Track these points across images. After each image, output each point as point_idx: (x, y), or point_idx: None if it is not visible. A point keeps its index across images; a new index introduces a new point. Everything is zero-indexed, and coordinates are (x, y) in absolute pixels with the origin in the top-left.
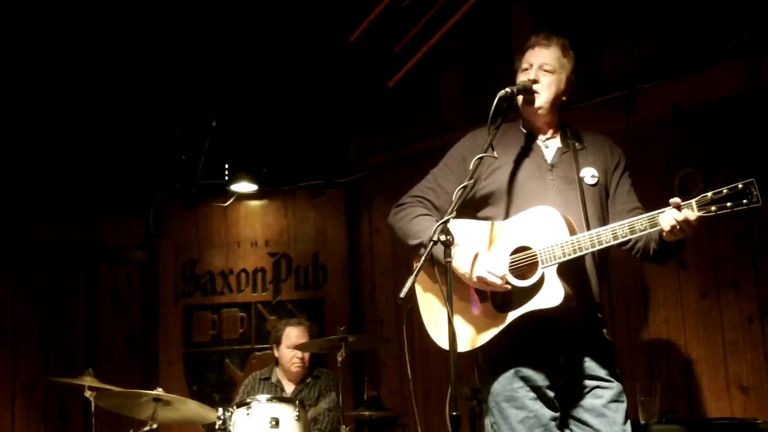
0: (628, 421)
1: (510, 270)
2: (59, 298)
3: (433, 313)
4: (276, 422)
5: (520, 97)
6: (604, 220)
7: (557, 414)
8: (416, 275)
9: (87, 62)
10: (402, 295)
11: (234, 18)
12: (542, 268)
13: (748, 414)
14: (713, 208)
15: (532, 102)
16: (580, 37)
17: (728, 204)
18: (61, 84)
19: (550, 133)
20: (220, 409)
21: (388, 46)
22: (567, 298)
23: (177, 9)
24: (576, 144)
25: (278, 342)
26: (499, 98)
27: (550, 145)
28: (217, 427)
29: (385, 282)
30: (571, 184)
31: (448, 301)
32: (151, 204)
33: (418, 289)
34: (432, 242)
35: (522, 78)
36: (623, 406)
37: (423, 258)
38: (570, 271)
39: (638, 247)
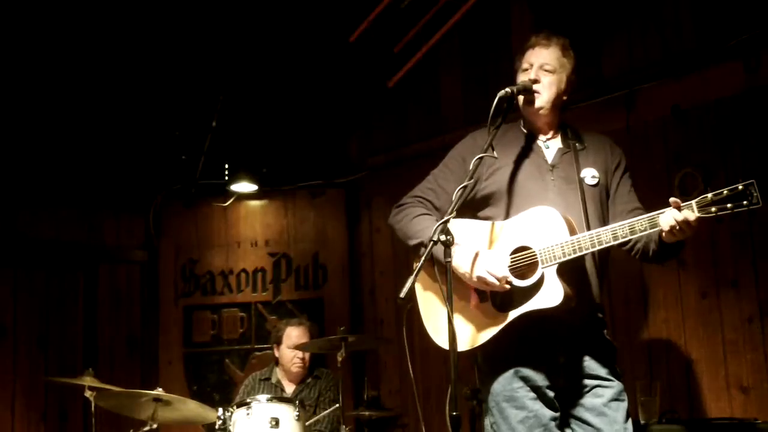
0: (629, 420)
1: (510, 270)
2: (59, 298)
3: (433, 313)
4: (276, 422)
5: (521, 97)
6: (604, 221)
7: (557, 414)
8: (416, 275)
9: (87, 62)
10: (402, 295)
11: (234, 18)
12: (542, 268)
13: (748, 414)
14: (713, 209)
15: (533, 102)
16: (580, 37)
17: (728, 205)
18: (61, 84)
19: (550, 133)
20: (220, 409)
21: (388, 46)
22: (566, 298)
23: (177, 9)
24: (576, 144)
25: (279, 342)
26: (499, 98)
27: (550, 146)
28: (217, 427)
29: (385, 282)
30: (572, 184)
31: (448, 301)
32: (151, 204)
33: (417, 288)
34: (432, 242)
35: (522, 78)
36: (624, 405)
37: (423, 258)
38: (570, 271)
39: (638, 247)
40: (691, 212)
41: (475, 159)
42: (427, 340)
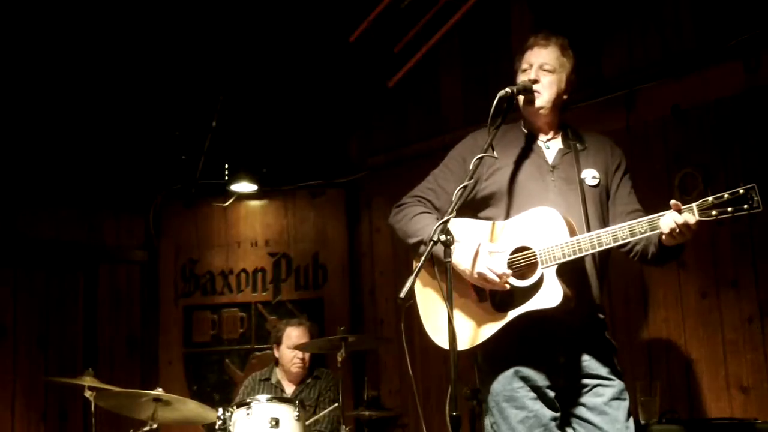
0: (631, 419)
1: (509, 269)
2: (59, 298)
3: (432, 312)
4: (276, 422)
5: (521, 98)
6: (604, 222)
7: (557, 414)
8: (416, 275)
9: (87, 62)
10: (402, 294)
11: (234, 18)
12: (542, 268)
13: (748, 414)
14: (714, 212)
15: (533, 102)
16: (580, 37)
17: (729, 209)
18: (61, 84)
19: (551, 133)
20: (220, 409)
21: (388, 46)
22: (566, 298)
23: (177, 9)
24: (577, 145)
25: (278, 342)
26: (499, 98)
27: (551, 146)
28: (217, 427)
29: (385, 282)
30: (572, 185)
31: (448, 301)
32: (151, 204)
33: (417, 287)
34: (432, 242)
35: (522, 78)
36: (625, 403)
37: (423, 257)
38: (570, 272)
39: (636, 249)
40: (691, 215)
41: (475, 159)
42: (427, 339)
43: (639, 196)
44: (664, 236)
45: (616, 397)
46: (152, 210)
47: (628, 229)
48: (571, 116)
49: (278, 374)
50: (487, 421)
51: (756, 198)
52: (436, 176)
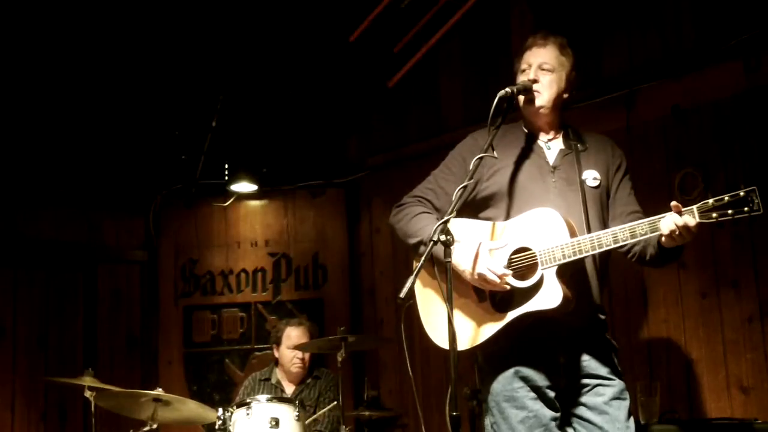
0: (631, 418)
1: (510, 270)
2: (59, 298)
3: (432, 312)
4: (276, 422)
5: (521, 97)
6: (605, 223)
7: (557, 414)
8: (416, 275)
9: (87, 62)
10: (402, 294)
11: (234, 18)
12: (542, 269)
13: (748, 414)
14: (714, 214)
15: (533, 101)
16: (580, 37)
17: (729, 211)
18: (60, 84)
19: (552, 133)
20: (220, 409)
21: (388, 46)
22: (566, 299)
23: (177, 9)
24: (578, 145)
25: (278, 342)
26: (499, 98)
27: (552, 147)
28: (217, 427)
29: (385, 282)
30: (573, 185)
31: (448, 301)
32: (151, 204)
33: (417, 287)
34: (432, 242)
35: (522, 79)
36: (625, 403)
37: (423, 258)
38: (570, 273)
39: (635, 251)
40: (691, 217)
41: (475, 159)
42: (427, 339)
43: (639, 196)
44: (663, 238)
45: (617, 397)
46: (152, 210)
47: (628, 231)
48: (571, 116)
49: (278, 374)
50: (488, 421)
51: (756, 201)
52: (436, 176)
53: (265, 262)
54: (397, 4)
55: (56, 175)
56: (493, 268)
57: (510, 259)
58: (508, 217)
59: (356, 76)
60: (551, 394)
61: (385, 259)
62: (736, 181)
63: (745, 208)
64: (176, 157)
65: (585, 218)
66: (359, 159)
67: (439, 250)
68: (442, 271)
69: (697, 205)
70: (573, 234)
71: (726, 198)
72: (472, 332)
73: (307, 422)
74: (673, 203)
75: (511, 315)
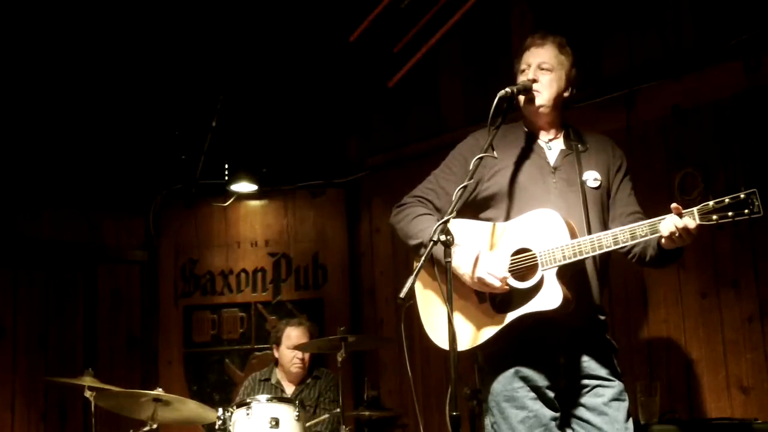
0: (630, 419)
1: (510, 271)
2: (59, 298)
3: (432, 313)
4: (276, 422)
5: (521, 97)
6: (605, 224)
7: (557, 414)
8: (416, 275)
9: (87, 62)
10: (402, 295)
11: (234, 18)
12: (542, 270)
13: (748, 414)
14: (715, 216)
15: (533, 101)
16: (580, 37)
17: (730, 213)
18: (60, 84)
19: (552, 133)
20: (220, 409)
21: (388, 46)
22: (565, 301)
23: (177, 9)
24: (579, 146)
25: (278, 342)
26: (499, 98)
27: (552, 147)
28: (217, 427)
29: (385, 282)
30: (574, 186)
31: (448, 302)
32: (151, 204)
33: (417, 288)
34: (432, 242)
35: (521, 79)
36: (624, 404)
37: (423, 258)
38: (570, 274)
39: (635, 252)
40: (691, 220)
41: (475, 159)
42: (427, 339)
43: (639, 196)
44: (663, 240)
45: (616, 398)
46: (152, 210)
47: (628, 232)
48: (571, 116)
49: (278, 374)
50: (488, 421)
51: (757, 203)
52: (437, 176)
53: (265, 262)
54: (397, 4)
55: (56, 175)
56: (493, 271)
57: (510, 260)
58: (508, 217)
59: (356, 76)
60: (551, 394)
61: (385, 259)
62: (736, 181)
63: (746, 210)
64: (176, 157)
65: (585, 219)
66: (359, 159)
67: (439, 250)
68: (442, 271)
69: (698, 207)
70: (573, 235)
71: (726, 200)
72: (472, 333)
73: (307, 425)
74: (673, 205)
75: (511, 316)
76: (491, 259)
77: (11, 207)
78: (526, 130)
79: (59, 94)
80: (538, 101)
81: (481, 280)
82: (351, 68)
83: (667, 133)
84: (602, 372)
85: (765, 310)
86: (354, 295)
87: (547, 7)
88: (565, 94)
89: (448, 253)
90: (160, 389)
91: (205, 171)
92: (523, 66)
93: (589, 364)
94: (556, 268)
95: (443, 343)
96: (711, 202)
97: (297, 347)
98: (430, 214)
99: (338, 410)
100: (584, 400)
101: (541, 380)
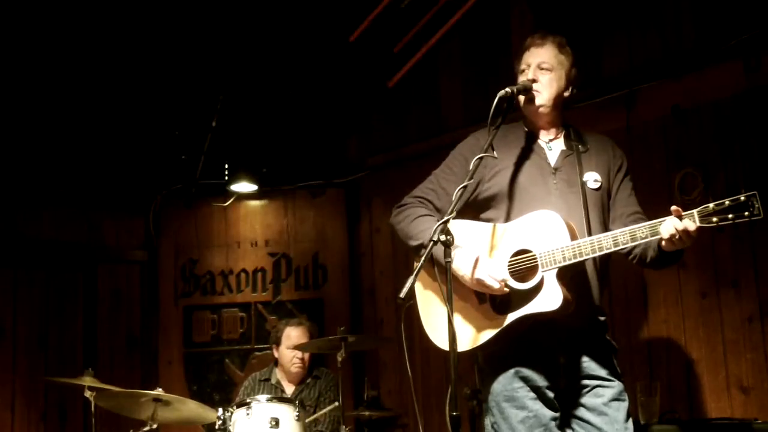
0: (630, 419)
1: (510, 272)
2: (59, 298)
3: (432, 313)
4: (276, 422)
5: (522, 97)
6: (605, 225)
7: (557, 414)
8: (416, 275)
9: (87, 62)
10: (402, 295)
11: (234, 18)
12: (542, 271)
13: (748, 414)
14: (715, 219)
15: (533, 101)
16: (580, 37)
17: (730, 216)
18: (60, 84)
19: (553, 133)
20: (220, 409)
21: (388, 46)
22: (565, 302)
23: (177, 9)
24: (579, 146)
25: (278, 342)
26: (499, 98)
27: (553, 147)
28: (217, 427)
29: (385, 282)
30: (574, 187)
31: (448, 302)
32: (151, 204)
33: (417, 288)
34: (432, 242)
35: (521, 79)
36: (624, 404)
37: (423, 258)
38: (571, 275)
39: (635, 253)
40: (691, 222)
41: (475, 159)
42: (427, 340)
43: (639, 196)
44: (664, 242)
45: (616, 398)
46: (152, 210)
47: (629, 234)
48: (571, 116)
49: (278, 374)
50: (488, 421)
51: (757, 205)
52: (437, 176)
53: (265, 262)
54: (397, 4)
55: (56, 175)
56: (493, 273)
57: (510, 261)
58: (508, 218)
59: (356, 76)
60: (551, 394)
61: (385, 259)
62: (736, 181)
63: (746, 213)
64: (176, 157)
65: (586, 220)
66: (359, 159)
67: (439, 250)
68: (442, 271)
69: (698, 209)
70: (573, 236)
71: (727, 202)
72: (472, 333)
73: (307, 421)
74: (674, 208)
75: (511, 317)
76: (491, 261)
77: (11, 207)
78: (526, 130)
79: (59, 95)
80: (538, 101)
81: (480, 282)
82: (351, 68)
83: (667, 133)
84: (602, 372)
85: (765, 310)
86: (354, 295)
87: (547, 7)
88: (565, 94)
89: (448, 254)
90: (160, 389)
91: (205, 171)
92: (522, 66)
93: (588, 364)
94: (557, 269)
95: (443, 344)
96: (711, 204)
97: (297, 347)
98: (430, 215)
99: (337, 403)
100: (584, 400)
101: (541, 380)
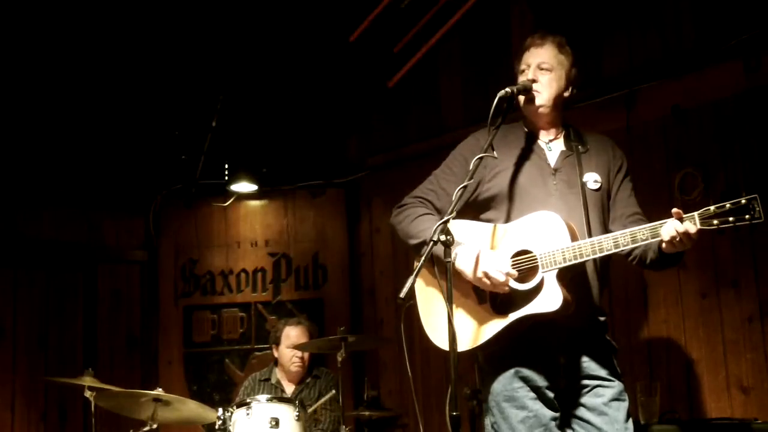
0: (630, 419)
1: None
2: (59, 298)
3: (432, 313)
4: (276, 422)
5: (521, 97)
6: (605, 226)
7: (557, 414)
8: (416, 275)
9: (87, 62)
10: (402, 294)
11: (234, 18)
12: (542, 272)
13: (748, 414)
14: (715, 221)
15: (533, 101)
16: (581, 37)
17: (730, 218)
18: (60, 84)
19: (553, 133)
20: (220, 409)
21: (388, 46)
22: (565, 303)
23: (177, 9)
24: (579, 147)
25: (277, 342)
26: (499, 98)
27: (553, 148)
28: (217, 427)
29: (385, 282)
30: (574, 188)
31: (448, 302)
32: (151, 204)
33: (417, 288)
34: (432, 242)
35: (521, 79)
36: (624, 404)
37: (423, 258)
38: (571, 276)
39: (636, 254)
40: (692, 224)
41: (474, 159)
42: (427, 339)
43: (639, 196)
44: (664, 244)
45: (616, 398)
46: (152, 210)
47: (629, 236)
48: (571, 116)
49: (278, 374)
50: (488, 421)
51: (758, 208)
52: (437, 177)
53: (265, 262)
54: (397, 4)
55: (56, 175)
56: (498, 266)
57: (510, 261)
58: (509, 219)
59: (356, 76)
60: (551, 394)
61: (385, 259)
62: (736, 182)
63: (746, 216)
64: (176, 157)
65: (586, 221)
66: (359, 159)
67: (440, 250)
68: (443, 271)
69: (699, 211)
70: (574, 237)
71: (727, 205)
72: (471, 334)
73: (309, 410)
74: (674, 210)
75: (512, 317)
76: (494, 255)
77: (11, 207)
78: (526, 130)
79: (59, 95)
80: (537, 101)
81: (486, 275)
82: (351, 68)
83: (667, 133)
84: (602, 372)
85: (765, 310)
86: (354, 295)
87: (547, 7)
88: (565, 94)
89: (448, 253)
90: (160, 389)
91: (205, 171)
92: (522, 66)
93: (588, 364)
94: (557, 270)
95: (443, 344)
96: (712, 207)
97: (297, 347)
98: (430, 214)
99: (334, 391)
100: (584, 400)
101: (541, 380)
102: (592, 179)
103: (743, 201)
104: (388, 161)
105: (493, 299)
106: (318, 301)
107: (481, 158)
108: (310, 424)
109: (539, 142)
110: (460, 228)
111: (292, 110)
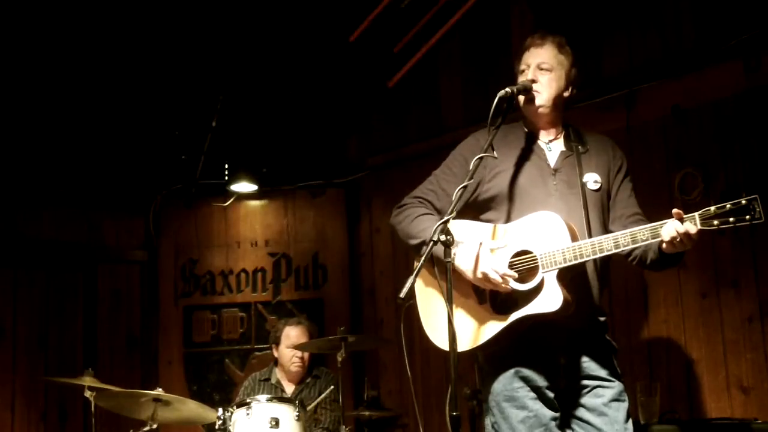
0: (630, 420)
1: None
2: (59, 298)
3: (432, 313)
4: (276, 422)
5: (521, 98)
6: (605, 226)
7: (557, 414)
8: (416, 275)
9: (87, 62)
10: (402, 294)
11: (234, 18)
12: (542, 272)
13: (748, 414)
14: (716, 222)
15: (533, 101)
16: (581, 37)
17: (731, 219)
18: (60, 84)
19: (553, 133)
20: (220, 409)
21: (388, 46)
22: (566, 303)
23: (177, 9)
24: (579, 147)
25: (277, 342)
26: (499, 98)
27: (553, 148)
28: (217, 427)
29: (385, 282)
30: (574, 188)
31: (448, 302)
32: (151, 204)
33: (417, 288)
34: (432, 242)
35: (521, 79)
36: (624, 405)
37: (423, 258)
38: (571, 276)
39: (636, 254)
40: (692, 225)
41: (474, 159)
42: (427, 340)
43: (639, 196)
44: (664, 244)
45: (616, 399)
46: (152, 210)
47: (629, 236)
48: (571, 116)
49: (278, 374)
50: (488, 421)
51: (758, 209)
52: (437, 177)
53: (265, 262)
54: (397, 4)
55: (56, 175)
56: (497, 267)
57: (511, 261)
58: (509, 219)
59: (356, 76)
60: (551, 394)
61: (385, 259)
62: (737, 181)
63: (747, 216)
64: (176, 157)
65: (586, 222)
66: (359, 159)
67: (440, 250)
68: (443, 271)
69: (699, 212)
70: (574, 238)
71: (728, 206)
72: (471, 334)
73: (309, 408)
74: (675, 210)
75: (512, 317)
76: (494, 256)
77: (11, 207)
78: (526, 130)
79: (59, 95)
80: (537, 101)
81: (484, 275)
82: (351, 68)
83: (667, 133)
84: (602, 372)
85: (765, 310)
86: (354, 295)
87: (547, 7)
88: (565, 94)
89: (448, 253)
90: (160, 389)
91: (205, 171)
92: (522, 66)
93: (588, 364)
94: (557, 270)
95: (443, 344)
96: (712, 208)
97: (296, 347)
98: (430, 214)
99: (333, 386)
100: (584, 400)
101: (541, 380)
102: (592, 179)
103: (743, 201)
104: (388, 161)
105: (493, 299)
106: (318, 301)
107: (481, 158)
108: (310, 424)
109: (539, 142)
110: (460, 228)
111: (292, 110)
